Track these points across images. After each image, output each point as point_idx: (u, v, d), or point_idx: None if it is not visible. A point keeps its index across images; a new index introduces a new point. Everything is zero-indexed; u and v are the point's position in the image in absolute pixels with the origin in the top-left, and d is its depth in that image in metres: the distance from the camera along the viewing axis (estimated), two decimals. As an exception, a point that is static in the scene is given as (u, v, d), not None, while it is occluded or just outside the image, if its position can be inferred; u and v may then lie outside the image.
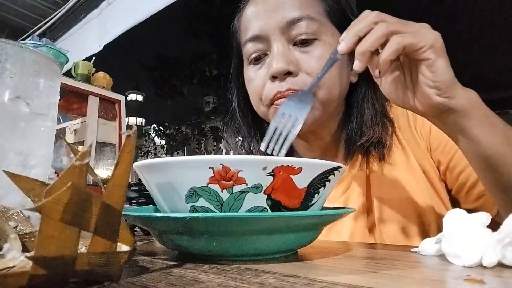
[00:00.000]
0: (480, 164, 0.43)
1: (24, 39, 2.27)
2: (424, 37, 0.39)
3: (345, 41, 0.41)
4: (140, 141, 10.23)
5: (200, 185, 0.29)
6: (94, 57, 1.52)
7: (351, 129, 0.56)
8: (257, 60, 0.56)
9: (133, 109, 11.56)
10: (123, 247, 0.25)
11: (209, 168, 0.28)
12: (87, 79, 1.42)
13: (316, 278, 0.23)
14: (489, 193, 0.47)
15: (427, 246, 0.32)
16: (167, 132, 9.59)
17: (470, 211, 0.56)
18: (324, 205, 0.37)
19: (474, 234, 0.27)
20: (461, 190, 0.54)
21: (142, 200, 0.61)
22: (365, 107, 0.55)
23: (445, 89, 0.39)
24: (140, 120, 12.06)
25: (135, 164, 0.32)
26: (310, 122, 0.52)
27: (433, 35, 0.39)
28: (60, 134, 1.41)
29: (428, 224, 0.53)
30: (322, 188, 0.32)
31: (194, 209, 0.30)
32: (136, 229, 0.56)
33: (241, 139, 0.66)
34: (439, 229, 0.49)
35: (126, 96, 1.63)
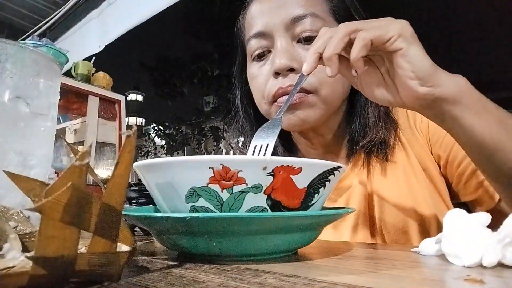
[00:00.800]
0: (477, 153, 0.42)
1: (24, 39, 2.27)
2: (389, 27, 0.37)
3: (306, 62, 0.41)
4: (140, 141, 10.22)
5: (200, 185, 0.29)
6: (94, 57, 1.52)
7: (354, 129, 0.56)
8: (261, 56, 0.56)
9: (133, 109, 11.54)
10: (123, 247, 0.25)
11: (209, 168, 0.28)
12: (87, 79, 1.42)
13: (316, 278, 0.23)
14: (491, 183, 0.46)
15: (427, 246, 0.32)
16: (167, 132, 9.60)
17: (470, 203, 0.56)
18: (324, 205, 0.37)
19: (474, 234, 0.27)
20: (460, 181, 0.54)
21: (142, 200, 0.61)
22: (368, 107, 0.55)
23: (426, 77, 0.37)
24: (140, 120, 12.04)
25: (135, 164, 0.32)
26: (311, 120, 0.52)
27: (399, 24, 0.38)
28: (60, 134, 1.41)
29: (429, 224, 0.53)
30: (322, 188, 0.32)
31: (194, 209, 0.30)
32: (136, 229, 0.56)
33: (242, 139, 0.67)
34: (440, 228, 0.49)
35: (126, 96, 1.63)
